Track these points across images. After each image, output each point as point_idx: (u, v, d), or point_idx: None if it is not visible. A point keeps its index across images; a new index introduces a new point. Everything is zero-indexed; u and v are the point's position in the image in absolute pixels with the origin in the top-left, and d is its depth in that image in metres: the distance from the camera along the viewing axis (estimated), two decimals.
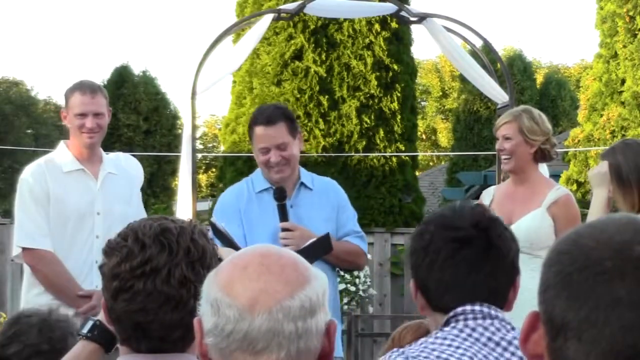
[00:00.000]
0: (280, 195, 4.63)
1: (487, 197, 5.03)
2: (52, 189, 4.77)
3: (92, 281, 4.78)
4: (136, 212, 4.97)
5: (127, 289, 2.09)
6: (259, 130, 4.64)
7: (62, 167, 4.84)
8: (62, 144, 4.97)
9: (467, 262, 2.28)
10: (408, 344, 3.06)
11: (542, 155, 4.89)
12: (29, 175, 4.81)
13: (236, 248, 4.35)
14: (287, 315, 1.65)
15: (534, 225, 4.75)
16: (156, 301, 2.08)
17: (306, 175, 4.82)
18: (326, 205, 4.76)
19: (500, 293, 2.30)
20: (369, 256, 4.99)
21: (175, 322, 2.08)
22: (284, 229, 4.59)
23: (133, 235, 2.13)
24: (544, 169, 5.80)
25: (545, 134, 4.85)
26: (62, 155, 4.89)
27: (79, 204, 4.80)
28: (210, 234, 2.23)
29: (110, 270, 2.12)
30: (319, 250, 4.59)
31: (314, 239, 4.57)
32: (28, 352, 2.81)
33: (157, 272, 2.09)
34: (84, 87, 4.91)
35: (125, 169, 5.09)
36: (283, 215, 4.62)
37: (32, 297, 4.79)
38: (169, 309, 2.08)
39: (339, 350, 4.85)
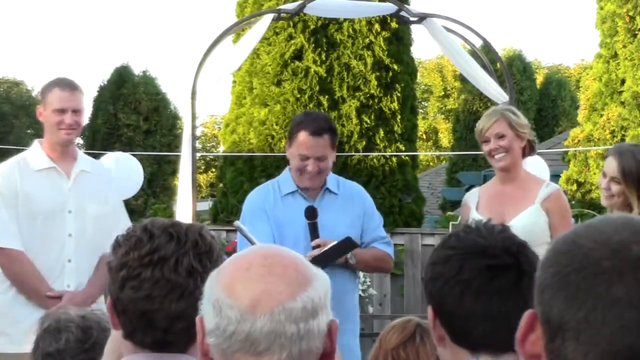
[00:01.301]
0: (310, 214, 4.69)
1: (472, 199, 4.97)
2: (21, 188, 4.72)
3: (63, 281, 4.76)
4: (112, 211, 4.92)
5: (135, 277, 2.11)
6: (303, 136, 4.68)
7: (33, 165, 4.79)
8: (35, 143, 4.91)
9: (502, 292, 2.09)
10: (394, 345, 3.06)
11: (530, 148, 4.91)
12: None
13: None
14: (289, 316, 1.65)
15: (530, 222, 4.76)
16: (163, 289, 2.10)
17: (332, 180, 4.87)
18: (350, 212, 4.81)
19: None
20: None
21: (180, 312, 2.09)
22: (315, 247, 4.65)
23: (142, 227, 2.16)
24: (544, 168, 5.81)
25: (528, 127, 4.91)
26: (35, 153, 4.83)
27: (49, 202, 4.75)
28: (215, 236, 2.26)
29: (118, 260, 2.15)
30: (340, 251, 4.68)
31: (334, 243, 4.64)
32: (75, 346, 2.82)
33: (164, 260, 2.11)
34: (63, 84, 4.87)
35: (101, 168, 5.05)
36: (314, 233, 4.68)
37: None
38: (174, 298, 2.10)
39: (357, 353, 4.89)
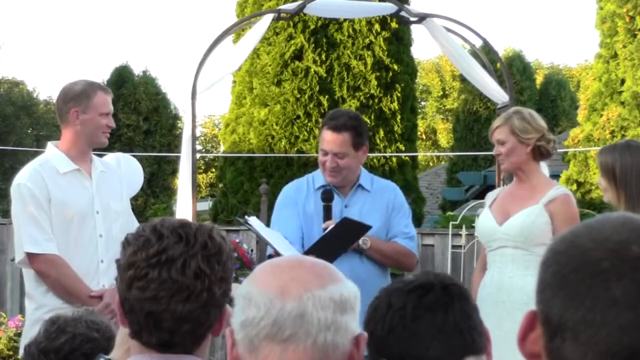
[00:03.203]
0: (326, 196, 4.81)
1: (490, 197, 5.08)
2: (52, 192, 4.71)
3: (99, 281, 4.77)
4: (127, 207, 4.98)
5: (142, 277, 2.11)
6: (324, 132, 4.84)
7: (57, 168, 4.77)
8: (51, 146, 4.89)
9: (436, 305, 2.12)
10: None
11: (540, 153, 4.90)
12: (27, 180, 4.72)
13: (267, 242, 4.57)
14: (317, 303, 1.67)
15: (528, 220, 4.79)
16: (169, 290, 2.09)
17: (366, 177, 4.97)
18: (380, 206, 4.89)
19: (477, 330, 2.14)
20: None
21: (186, 314, 2.09)
22: (325, 229, 4.74)
23: (151, 227, 2.16)
24: (544, 168, 5.82)
25: (538, 131, 4.86)
26: (56, 156, 4.82)
27: (80, 204, 4.76)
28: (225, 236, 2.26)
29: (126, 260, 2.14)
30: (347, 233, 4.73)
31: (332, 225, 4.71)
32: (79, 340, 2.85)
33: (172, 261, 2.10)
34: (104, 87, 4.94)
35: (112, 166, 5.09)
36: (327, 215, 4.79)
37: (39, 295, 4.75)
38: (181, 299, 2.09)
39: None
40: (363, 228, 4.70)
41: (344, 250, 4.70)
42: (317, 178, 4.95)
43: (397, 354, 2.11)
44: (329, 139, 4.79)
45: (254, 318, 1.69)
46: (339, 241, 4.70)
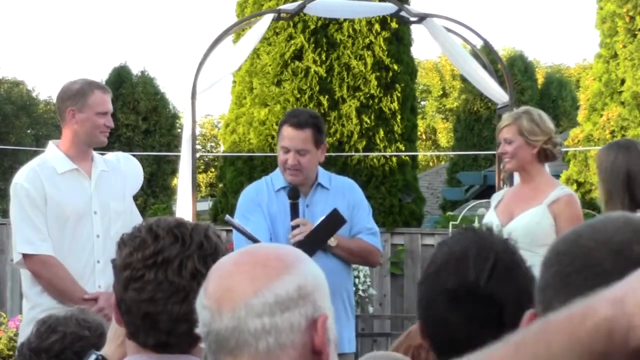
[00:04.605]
0: (293, 194, 4.80)
1: (496, 199, 5.08)
2: (48, 192, 4.69)
3: (94, 282, 4.75)
4: (130, 207, 4.95)
5: (138, 279, 2.10)
6: (285, 129, 4.81)
7: (56, 168, 4.75)
8: (51, 145, 4.87)
9: (489, 325, 2.09)
10: (419, 344, 3.06)
11: (545, 155, 4.90)
12: (24, 180, 4.72)
13: (254, 240, 4.54)
14: (250, 312, 1.65)
15: (533, 221, 4.78)
16: (166, 291, 2.09)
17: (324, 176, 4.96)
18: (341, 204, 4.87)
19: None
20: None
21: (183, 315, 2.08)
22: (294, 226, 4.74)
23: (147, 227, 2.15)
24: (546, 168, 5.84)
25: (546, 134, 4.85)
26: (55, 156, 4.80)
27: (77, 204, 4.74)
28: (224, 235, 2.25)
29: (122, 260, 2.13)
30: (330, 226, 4.74)
31: (323, 217, 4.71)
32: (70, 339, 2.85)
33: (168, 262, 2.10)
34: (102, 86, 4.91)
35: (115, 165, 5.06)
36: (294, 213, 4.78)
37: (34, 294, 4.75)
38: (177, 300, 2.09)
39: (352, 346, 4.98)
40: (342, 222, 4.73)
41: (325, 243, 4.71)
42: (276, 179, 4.93)
43: (430, 335, 2.19)
44: (291, 136, 4.78)
45: (203, 333, 1.69)
46: (325, 233, 4.73)
